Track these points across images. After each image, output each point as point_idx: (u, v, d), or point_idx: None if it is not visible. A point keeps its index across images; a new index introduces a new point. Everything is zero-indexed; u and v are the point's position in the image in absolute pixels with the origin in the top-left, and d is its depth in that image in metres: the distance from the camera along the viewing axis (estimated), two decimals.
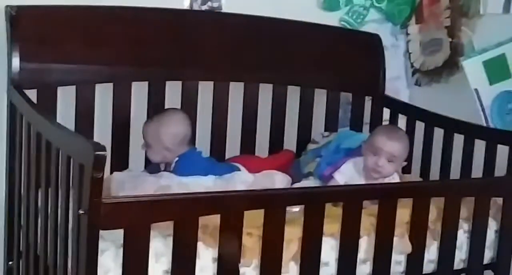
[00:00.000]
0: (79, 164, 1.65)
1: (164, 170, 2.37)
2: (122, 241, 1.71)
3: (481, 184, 2.32)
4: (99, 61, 2.41)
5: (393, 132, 2.42)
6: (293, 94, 2.78)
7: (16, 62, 2.23)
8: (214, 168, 2.38)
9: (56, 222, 1.81)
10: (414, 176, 2.73)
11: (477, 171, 2.52)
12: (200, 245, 1.85)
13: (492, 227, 2.31)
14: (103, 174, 1.59)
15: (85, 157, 1.60)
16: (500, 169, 2.44)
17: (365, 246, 2.09)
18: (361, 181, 2.36)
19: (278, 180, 2.38)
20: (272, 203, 1.87)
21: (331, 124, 2.87)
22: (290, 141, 2.80)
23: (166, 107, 2.52)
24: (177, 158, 2.35)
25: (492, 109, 2.79)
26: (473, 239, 2.26)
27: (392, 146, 2.33)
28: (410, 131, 2.77)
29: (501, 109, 2.77)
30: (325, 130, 2.85)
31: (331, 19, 2.91)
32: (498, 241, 2.32)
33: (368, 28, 2.99)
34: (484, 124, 2.77)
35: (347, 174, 2.38)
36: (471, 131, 2.58)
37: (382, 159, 2.32)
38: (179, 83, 2.57)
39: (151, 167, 2.44)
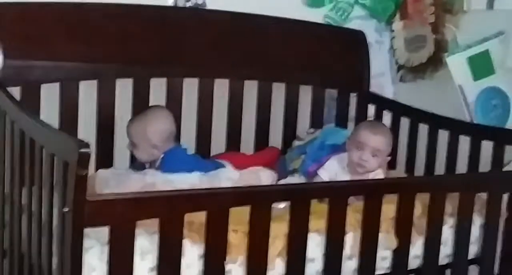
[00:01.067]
0: (63, 162, 1.64)
1: (150, 168, 2.36)
2: (107, 239, 1.70)
3: (466, 179, 2.34)
4: (83, 58, 2.39)
5: (376, 126, 2.44)
6: (278, 91, 2.78)
7: None
8: (200, 165, 2.38)
9: (40, 220, 1.79)
10: (399, 172, 2.74)
11: (461, 166, 2.53)
12: (185, 242, 1.85)
13: (477, 222, 2.32)
14: (88, 171, 1.58)
15: (69, 155, 1.59)
16: (485, 165, 2.45)
17: (351, 242, 2.09)
18: (346, 177, 2.36)
19: (264, 176, 2.38)
20: (257, 200, 1.87)
21: (316, 121, 2.88)
22: (275, 138, 2.80)
23: (151, 104, 2.51)
24: (162, 155, 2.34)
25: (476, 105, 2.81)
26: (458, 235, 2.27)
27: (376, 140, 2.34)
28: (395, 127, 2.79)
29: (485, 105, 2.79)
30: (311, 127, 2.85)
31: (316, 15, 2.90)
32: (483, 236, 2.33)
33: (353, 24, 2.99)
34: (469, 120, 2.79)
35: (332, 170, 2.38)
36: (456, 127, 2.59)
37: (367, 153, 2.33)
38: (164, 80, 2.56)
39: (136, 164, 2.43)
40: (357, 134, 2.38)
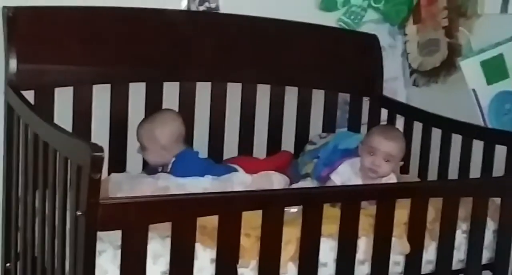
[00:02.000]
0: (77, 165, 1.64)
1: (162, 172, 2.37)
2: (120, 242, 1.70)
3: (479, 184, 2.32)
4: (96, 62, 2.40)
5: (389, 131, 2.42)
6: (291, 95, 2.78)
7: (13, 63, 2.23)
8: (212, 169, 2.38)
9: (53, 224, 1.80)
10: (412, 176, 2.73)
11: (475, 171, 2.52)
12: (198, 246, 1.85)
13: (490, 227, 2.31)
14: (101, 175, 1.58)
15: (83, 158, 1.60)
16: (498, 169, 2.44)
17: (364, 246, 2.09)
18: (358, 181, 2.35)
19: (276, 180, 2.38)
20: (270, 204, 1.87)
21: (329, 125, 2.87)
22: (288, 142, 2.79)
23: (163, 107, 2.52)
24: (174, 159, 2.35)
25: (490, 109, 2.80)
26: (471, 240, 2.26)
27: (389, 145, 2.34)
28: (408, 131, 2.77)
29: (499, 109, 2.78)
30: (323, 131, 2.84)
31: (329, 19, 2.90)
32: (496, 241, 2.32)
33: (366, 28, 2.99)
34: (482, 124, 2.78)
35: (344, 175, 2.38)
36: (469, 131, 2.58)
37: (379, 158, 2.33)
38: (177, 83, 2.57)
39: (148, 169, 2.44)
40: (370, 139, 2.37)
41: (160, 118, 2.37)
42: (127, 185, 2.16)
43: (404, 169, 2.70)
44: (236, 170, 2.41)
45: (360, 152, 2.39)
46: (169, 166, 2.35)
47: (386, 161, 2.33)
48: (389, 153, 2.33)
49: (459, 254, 2.27)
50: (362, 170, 2.37)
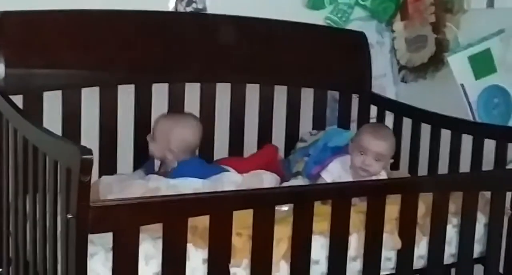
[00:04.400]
0: (66, 169, 1.64)
1: (159, 170, 2.37)
2: (111, 245, 1.70)
3: (469, 178, 2.34)
4: (84, 65, 2.40)
5: (379, 130, 2.43)
6: (280, 94, 2.79)
7: (1, 68, 2.23)
8: (204, 171, 2.37)
9: (44, 227, 1.80)
10: (403, 172, 2.74)
11: (464, 165, 2.53)
12: (190, 247, 1.85)
13: (481, 221, 2.32)
14: (91, 178, 1.58)
15: (72, 162, 1.60)
16: (488, 163, 2.45)
17: (355, 243, 2.10)
18: (349, 179, 2.36)
19: (267, 179, 2.38)
20: (260, 203, 1.87)
21: (318, 123, 2.88)
22: (278, 141, 2.80)
23: (153, 109, 2.52)
24: (176, 164, 2.34)
25: (479, 103, 2.80)
26: (462, 234, 2.27)
27: (379, 145, 2.34)
28: (397, 127, 2.79)
29: (487, 103, 2.78)
30: (313, 129, 2.85)
31: (316, 18, 2.91)
32: (487, 235, 2.33)
33: (353, 26, 3.00)
34: (471, 119, 2.79)
35: (335, 172, 2.38)
36: (458, 126, 2.59)
37: (370, 158, 2.33)
38: (166, 85, 2.57)
39: (148, 164, 2.43)
40: (360, 138, 2.38)
41: (183, 122, 2.38)
42: (117, 187, 2.16)
43: (394, 165, 2.71)
44: (227, 170, 2.41)
45: (350, 150, 2.40)
46: (169, 169, 2.35)
47: (376, 160, 2.34)
48: (379, 152, 2.34)
49: (451, 249, 2.28)
50: (352, 168, 2.38)
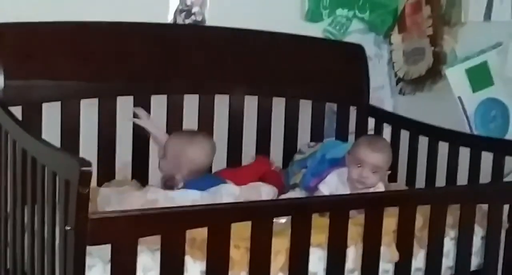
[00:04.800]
0: (65, 180, 1.64)
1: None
2: (109, 257, 1.70)
3: (466, 191, 2.34)
4: (83, 76, 2.41)
5: (375, 142, 2.42)
6: (278, 106, 2.80)
7: (0, 79, 2.23)
8: (203, 183, 2.37)
9: (43, 239, 1.80)
10: (400, 184, 2.74)
11: (462, 178, 2.54)
12: (187, 259, 1.85)
13: (478, 233, 2.33)
14: (89, 190, 1.58)
15: (71, 173, 1.60)
16: (485, 176, 2.46)
17: (353, 255, 2.10)
18: (346, 191, 2.37)
19: (265, 191, 2.39)
20: (258, 215, 1.87)
21: (317, 134, 2.89)
22: (276, 153, 2.81)
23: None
24: (181, 185, 2.33)
25: (476, 116, 2.81)
26: (459, 246, 2.27)
27: (375, 157, 2.35)
28: (395, 140, 2.80)
29: (485, 116, 2.79)
30: (311, 140, 2.86)
31: (315, 30, 2.92)
32: (484, 247, 2.33)
33: (352, 38, 3.01)
34: (468, 132, 2.79)
35: (332, 185, 2.39)
36: (456, 139, 2.60)
37: (366, 170, 2.34)
38: (165, 96, 2.58)
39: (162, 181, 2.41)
40: (356, 151, 2.38)
41: (196, 143, 2.36)
42: (116, 199, 2.16)
43: (392, 177, 2.71)
44: (224, 182, 2.41)
45: (347, 163, 2.40)
46: (179, 186, 2.34)
47: (373, 173, 2.34)
48: (376, 165, 2.34)
49: (448, 261, 2.28)
50: (349, 180, 2.38)
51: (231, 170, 2.62)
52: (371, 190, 2.36)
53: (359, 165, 2.34)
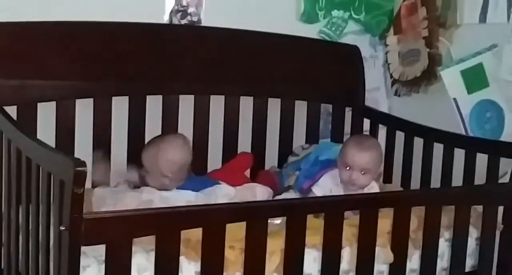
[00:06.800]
0: (60, 180, 1.64)
1: None
2: (104, 257, 1.70)
3: (461, 192, 2.34)
4: (79, 76, 2.41)
5: (363, 143, 2.39)
6: (274, 106, 2.80)
7: None
8: (197, 184, 2.37)
9: (37, 239, 1.80)
10: (395, 185, 2.75)
11: (457, 179, 2.54)
12: (182, 259, 1.85)
13: (473, 235, 2.33)
14: (84, 190, 1.58)
15: (66, 173, 1.60)
16: (480, 177, 2.46)
17: (348, 256, 2.10)
18: (340, 192, 2.36)
19: (259, 192, 2.39)
20: (253, 216, 1.88)
21: (312, 136, 2.89)
22: (271, 154, 2.81)
23: (147, 121, 2.52)
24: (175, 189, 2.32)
25: (471, 117, 2.81)
26: (454, 248, 2.27)
27: (363, 158, 2.33)
28: (390, 141, 2.80)
29: (480, 117, 2.79)
30: (306, 142, 2.86)
31: (310, 31, 2.93)
32: (479, 248, 2.34)
33: (347, 39, 3.02)
34: (463, 133, 2.80)
35: (325, 187, 2.38)
36: (451, 140, 2.60)
37: (356, 172, 2.33)
38: (160, 97, 2.57)
39: None
40: (344, 153, 2.37)
41: (165, 145, 2.31)
42: (111, 200, 2.16)
43: (387, 179, 2.71)
44: (219, 183, 2.41)
45: (338, 165, 2.39)
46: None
47: (363, 174, 2.34)
48: (364, 166, 2.33)
49: (443, 262, 2.28)
50: (342, 182, 2.38)
51: (217, 171, 2.61)
52: (365, 190, 2.36)
53: (348, 168, 2.34)
